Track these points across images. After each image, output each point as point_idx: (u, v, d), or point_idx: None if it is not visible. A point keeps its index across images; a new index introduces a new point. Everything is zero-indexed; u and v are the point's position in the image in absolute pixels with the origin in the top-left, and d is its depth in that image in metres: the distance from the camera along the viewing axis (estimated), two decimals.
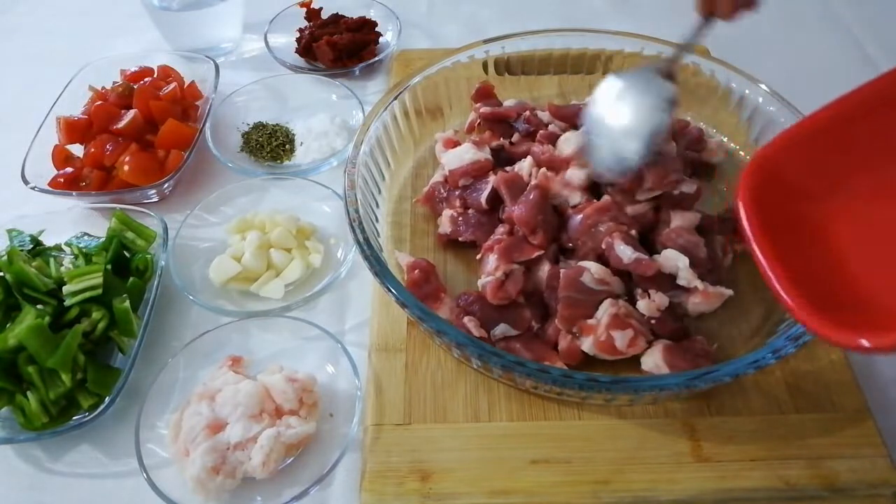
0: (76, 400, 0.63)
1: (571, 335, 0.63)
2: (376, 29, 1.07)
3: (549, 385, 0.56)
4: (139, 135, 0.86)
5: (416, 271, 0.67)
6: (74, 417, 0.63)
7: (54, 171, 0.84)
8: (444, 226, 0.73)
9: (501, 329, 0.65)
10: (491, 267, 0.66)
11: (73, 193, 0.82)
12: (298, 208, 0.81)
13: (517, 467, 0.59)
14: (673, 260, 0.64)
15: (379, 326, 0.69)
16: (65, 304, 0.66)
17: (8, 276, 0.66)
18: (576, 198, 0.70)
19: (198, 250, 0.77)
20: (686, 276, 0.63)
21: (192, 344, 0.67)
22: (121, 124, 0.85)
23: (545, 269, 0.67)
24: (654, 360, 0.62)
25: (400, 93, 0.80)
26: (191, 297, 0.71)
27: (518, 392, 0.63)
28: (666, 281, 0.64)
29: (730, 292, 0.64)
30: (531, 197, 0.68)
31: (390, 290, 0.60)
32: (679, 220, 0.68)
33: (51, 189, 0.81)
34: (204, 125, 0.88)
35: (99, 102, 0.88)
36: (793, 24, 1.14)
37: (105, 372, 0.65)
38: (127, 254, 0.74)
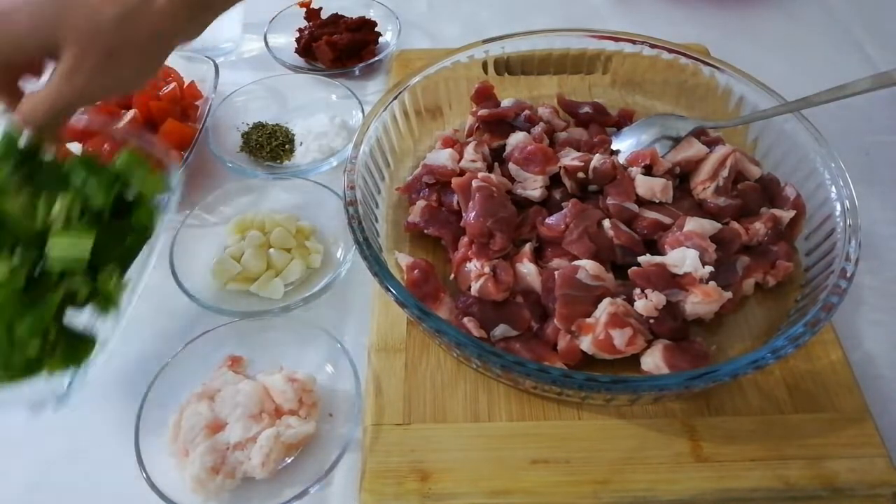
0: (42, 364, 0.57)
1: (570, 334, 0.63)
2: (376, 29, 1.07)
3: (549, 385, 0.56)
4: None
5: (416, 271, 0.67)
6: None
7: None
8: (415, 215, 0.74)
9: (501, 330, 0.65)
10: (476, 271, 0.66)
11: None
12: (298, 208, 0.81)
13: (517, 467, 0.59)
14: (680, 256, 0.64)
15: (379, 326, 0.69)
16: (45, 264, 0.57)
17: None
18: (537, 192, 0.72)
19: (198, 250, 0.77)
20: (693, 265, 0.63)
21: (192, 344, 0.67)
22: (120, 124, 0.85)
23: (529, 266, 0.68)
24: (653, 360, 0.62)
25: (400, 93, 0.80)
26: (191, 298, 0.71)
27: (518, 392, 0.63)
28: (664, 280, 0.64)
29: (729, 294, 0.64)
30: (476, 199, 0.69)
31: (390, 290, 0.60)
32: (692, 225, 0.68)
33: None
34: (203, 125, 0.88)
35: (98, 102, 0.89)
36: (793, 24, 1.14)
37: (78, 343, 0.59)
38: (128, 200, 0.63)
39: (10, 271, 0.54)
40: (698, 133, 0.78)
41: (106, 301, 0.59)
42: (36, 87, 0.58)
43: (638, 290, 0.64)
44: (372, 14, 1.10)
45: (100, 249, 0.57)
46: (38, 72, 0.60)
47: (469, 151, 0.75)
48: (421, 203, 0.74)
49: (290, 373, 0.64)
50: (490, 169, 0.76)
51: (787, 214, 0.71)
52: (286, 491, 0.59)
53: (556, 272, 0.65)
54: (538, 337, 0.66)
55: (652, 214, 0.71)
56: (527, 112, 0.81)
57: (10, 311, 0.54)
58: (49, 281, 0.56)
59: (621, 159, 0.75)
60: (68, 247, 0.56)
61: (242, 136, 0.93)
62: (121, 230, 0.61)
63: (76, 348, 0.58)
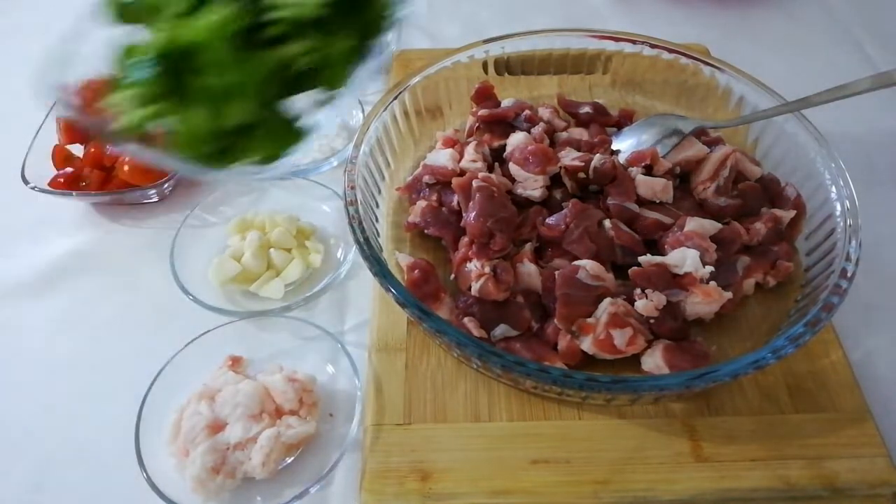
0: (239, 146, 0.49)
1: (571, 334, 0.63)
2: None
3: (550, 385, 0.56)
4: None
5: (416, 271, 0.67)
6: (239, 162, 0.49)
7: (54, 171, 0.84)
8: (415, 215, 0.74)
9: (501, 330, 0.65)
10: (476, 271, 0.66)
11: (73, 193, 0.82)
12: (298, 208, 0.81)
13: (517, 467, 0.59)
14: (680, 256, 0.64)
15: (379, 326, 0.69)
16: (266, 17, 0.47)
17: None
18: (537, 192, 0.72)
19: (198, 250, 0.77)
20: (693, 265, 0.63)
21: (192, 344, 0.67)
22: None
23: (529, 266, 0.68)
24: (654, 361, 0.62)
25: (400, 93, 0.80)
26: (191, 298, 0.71)
27: (518, 392, 0.63)
28: (664, 280, 0.64)
29: (729, 295, 0.64)
30: (477, 199, 0.69)
31: (390, 290, 0.60)
32: (693, 225, 0.68)
33: (51, 189, 0.81)
34: None
35: None
36: (793, 24, 1.14)
37: (287, 126, 0.51)
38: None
39: (224, 17, 0.46)
40: (698, 133, 0.78)
41: (332, 72, 0.51)
42: None
43: (638, 290, 0.64)
44: None
45: (332, 20, 0.49)
46: None
47: (469, 151, 0.75)
48: (421, 203, 0.74)
49: (290, 373, 0.64)
50: (490, 169, 0.76)
51: (787, 214, 0.71)
52: (286, 491, 0.59)
53: (556, 272, 0.65)
54: (538, 337, 0.66)
55: (652, 214, 0.71)
56: (527, 112, 0.81)
57: (221, 58, 0.46)
58: (268, 44, 0.48)
59: (622, 159, 0.75)
60: None
61: None
62: (355, 19, 0.53)
63: (283, 131, 0.52)
